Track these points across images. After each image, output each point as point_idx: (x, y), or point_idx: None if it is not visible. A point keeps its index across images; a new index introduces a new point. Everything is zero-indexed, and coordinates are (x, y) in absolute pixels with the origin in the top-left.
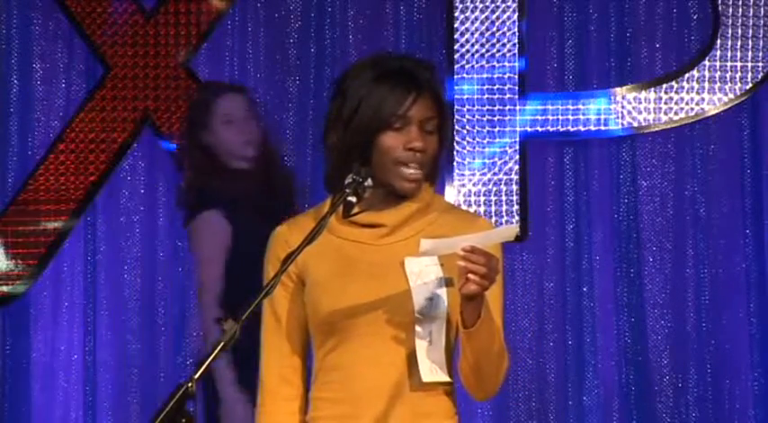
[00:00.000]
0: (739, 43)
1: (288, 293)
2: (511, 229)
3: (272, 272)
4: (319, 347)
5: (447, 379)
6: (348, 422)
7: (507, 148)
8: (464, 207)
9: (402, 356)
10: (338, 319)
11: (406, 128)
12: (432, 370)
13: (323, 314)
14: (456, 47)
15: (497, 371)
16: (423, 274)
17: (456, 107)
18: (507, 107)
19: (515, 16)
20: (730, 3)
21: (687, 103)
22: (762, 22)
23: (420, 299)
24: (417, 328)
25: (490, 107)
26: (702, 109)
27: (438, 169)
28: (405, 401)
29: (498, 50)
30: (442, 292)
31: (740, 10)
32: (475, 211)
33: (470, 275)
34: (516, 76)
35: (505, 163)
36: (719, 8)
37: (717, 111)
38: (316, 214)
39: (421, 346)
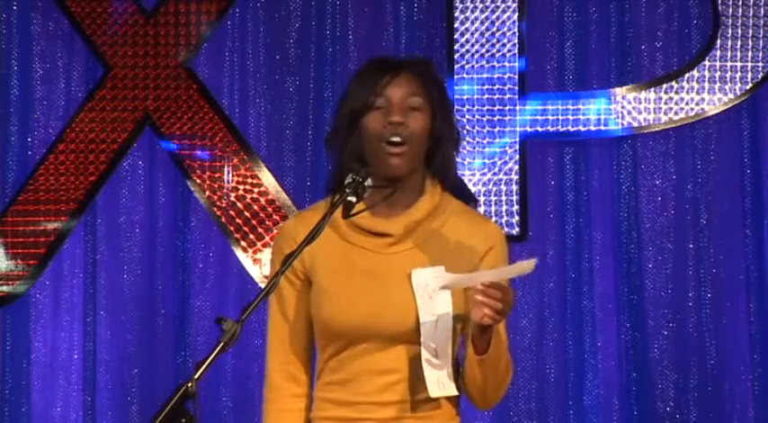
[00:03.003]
0: (739, 43)
1: (295, 291)
2: (529, 264)
3: (278, 267)
4: (323, 349)
5: (455, 393)
6: None
7: (507, 148)
8: None
9: (404, 364)
10: (340, 326)
11: (387, 107)
12: (440, 385)
13: (325, 320)
14: (456, 47)
15: (502, 384)
16: (429, 287)
17: (456, 107)
18: (507, 107)
19: (515, 16)
20: (730, 3)
21: (687, 103)
22: (762, 22)
23: (426, 312)
24: (423, 343)
25: (490, 107)
26: (702, 109)
27: (446, 166)
28: (407, 407)
29: (498, 50)
30: (448, 305)
31: (740, 10)
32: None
33: (486, 310)
34: (516, 76)
35: (505, 163)
36: (719, 8)
37: (717, 111)
38: (324, 208)
39: (427, 362)
